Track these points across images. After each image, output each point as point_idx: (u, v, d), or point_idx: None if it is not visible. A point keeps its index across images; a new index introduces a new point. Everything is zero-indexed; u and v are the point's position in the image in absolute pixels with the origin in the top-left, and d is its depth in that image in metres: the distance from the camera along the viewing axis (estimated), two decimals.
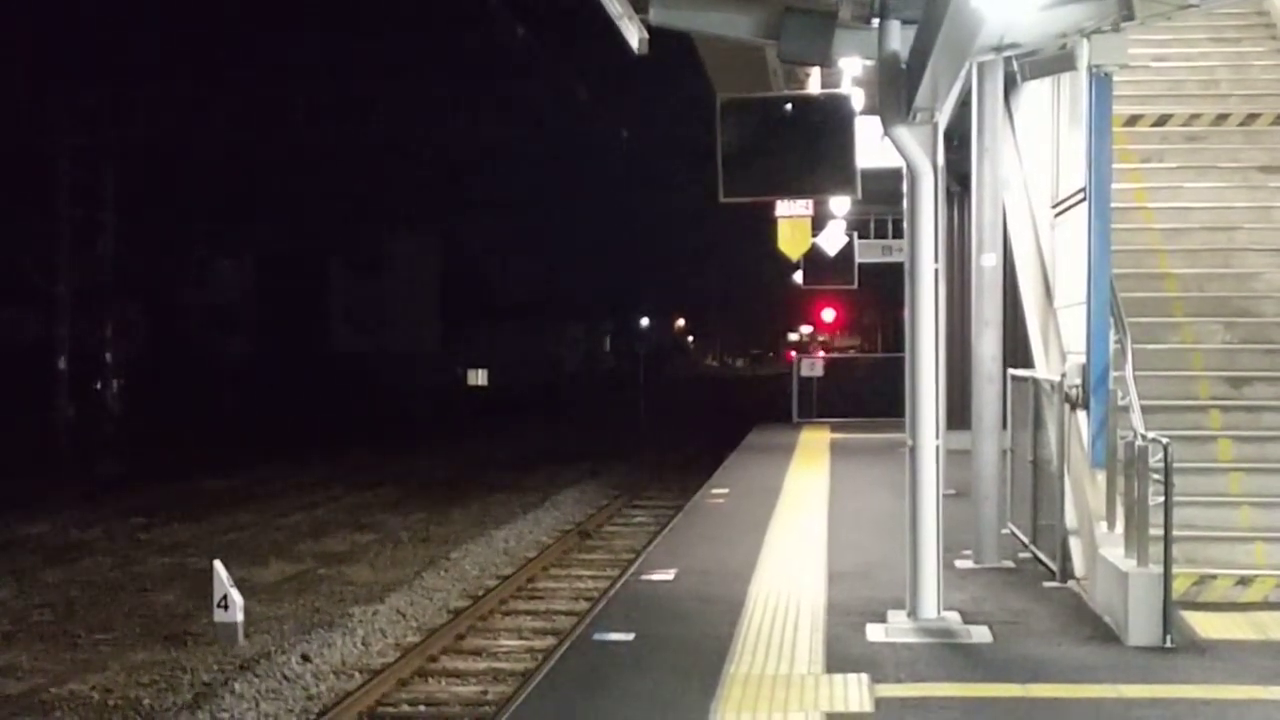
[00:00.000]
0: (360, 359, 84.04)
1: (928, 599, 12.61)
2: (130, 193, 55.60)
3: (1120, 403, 13.27)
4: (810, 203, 28.51)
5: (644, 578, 15.64)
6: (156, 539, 26.02)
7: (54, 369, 50.28)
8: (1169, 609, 11.69)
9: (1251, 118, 18.43)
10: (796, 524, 19.55)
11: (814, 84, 21.91)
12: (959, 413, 17.48)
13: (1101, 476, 13.38)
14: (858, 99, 14.33)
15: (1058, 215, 16.63)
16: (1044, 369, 16.50)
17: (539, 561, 22.64)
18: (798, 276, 38.51)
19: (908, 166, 12.39)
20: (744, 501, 22.28)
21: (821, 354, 56.02)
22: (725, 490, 24.04)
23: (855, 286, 38.05)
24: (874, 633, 12.44)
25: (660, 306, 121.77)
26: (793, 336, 78.11)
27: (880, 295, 66.27)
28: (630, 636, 12.51)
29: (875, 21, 12.41)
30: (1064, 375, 14.51)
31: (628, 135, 66.67)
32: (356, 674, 15.95)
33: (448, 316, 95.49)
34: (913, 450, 12.53)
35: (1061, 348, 15.75)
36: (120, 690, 15.21)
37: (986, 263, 15.67)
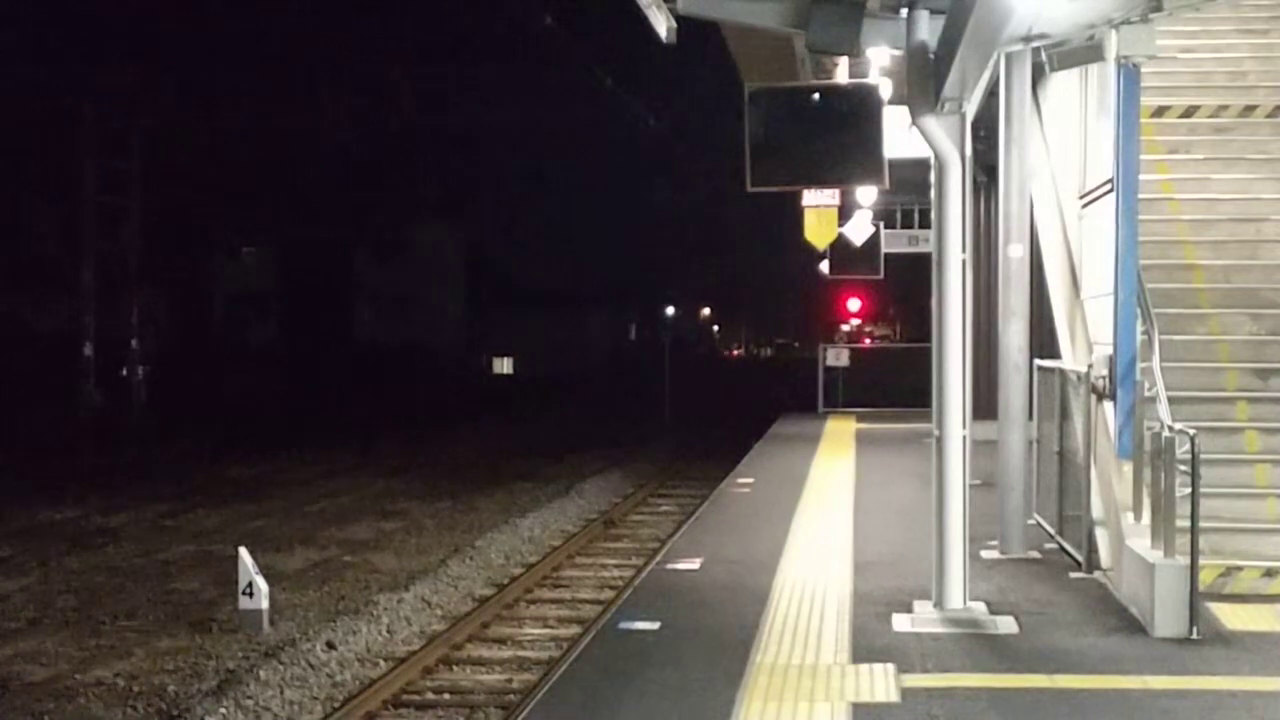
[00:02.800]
0: (385, 346, 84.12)
1: (954, 589, 12.61)
2: (156, 179, 55.70)
3: (1147, 394, 13.24)
4: (837, 192, 28.49)
5: (669, 567, 15.64)
6: (181, 526, 26.09)
7: (80, 356, 50.41)
8: (1195, 600, 11.68)
9: (1279, 110, 18.37)
10: (822, 513, 19.54)
11: (842, 74, 21.83)
12: (985, 403, 17.44)
13: (1128, 467, 13.37)
14: (885, 89, 14.28)
15: (1085, 206, 16.59)
16: (1070, 359, 16.48)
17: (564, 550, 22.66)
18: (824, 266, 38.51)
19: (935, 157, 12.38)
20: (769, 491, 22.27)
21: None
22: (751, 479, 24.03)
23: (881, 277, 38.03)
24: (900, 623, 12.44)
25: (686, 295, 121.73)
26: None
27: (904, 285, 66.28)
28: (656, 625, 12.52)
29: (904, 11, 12.39)
30: (1091, 366, 14.50)
31: (654, 123, 66.58)
32: (381, 662, 15.98)
33: (473, 304, 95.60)
34: (939, 440, 12.53)
35: (1088, 338, 15.71)
36: (145, 677, 15.25)
37: (1013, 253, 15.64)
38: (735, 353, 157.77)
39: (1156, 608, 11.76)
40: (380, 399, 63.31)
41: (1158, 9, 12.43)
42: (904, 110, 12.56)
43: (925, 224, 33.46)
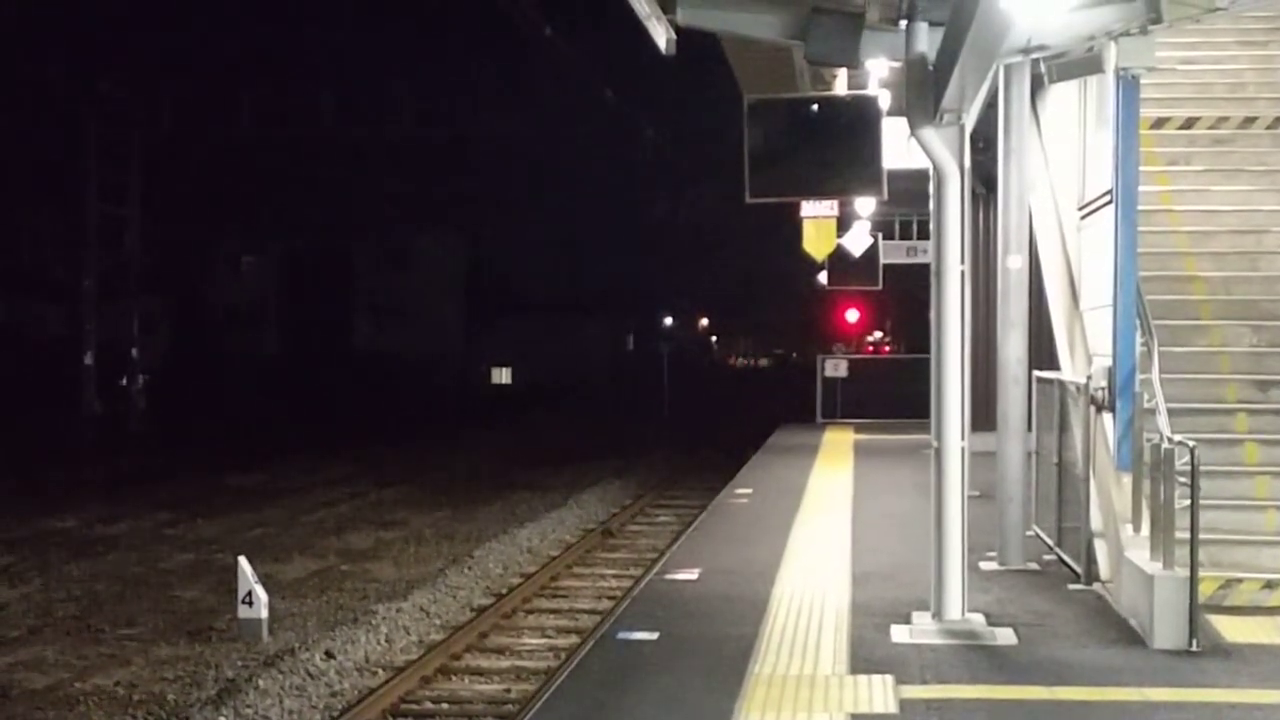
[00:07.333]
0: (384, 356, 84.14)
1: (952, 600, 12.60)
2: (156, 189, 55.78)
3: (1146, 405, 13.25)
4: (835, 203, 28.52)
5: (668, 577, 15.64)
6: (181, 534, 26.09)
7: (80, 364, 50.45)
8: (1194, 612, 11.67)
9: (1279, 121, 18.38)
10: (820, 524, 19.53)
11: (841, 85, 21.88)
12: (983, 414, 17.44)
13: (1127, 479, 13.36)
14: (884, 100, 14.30)
15: (1084, 217, 16.60)
16: (1070, 371, 16.48)
17: (562, 560, 22.66)
18: (822, 277, 38.53)
19: (934, 168, 12.38)
20: (768, 501, 22.26)
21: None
22: (749, 490, 24.02)
23: (879, 287, 38.05)
24: (898, 634, 12.44)
25: (684, 306, 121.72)
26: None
27: (904, 296, 66.38)
28: (654, 636, 12.51)
29: (903, 23, 12.40)
30: (1090, 377, 14.49)
31: (653, 133, 66.72)
32: (380, 671, 15.99)
33: (472, 314, 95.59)
34: (938, 451, 12.53)
35: (1087, 350, 15.71)
36: (144, 685, 15.26)
37: (1012, 264, 15.65)
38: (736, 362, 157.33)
39: (1156, 620, 11.76)
40: (379, 408, 63.32)
41: (1157, 21, 12.45)
42: (903, 122, 12.57)
43: (924, 235, 33.46)
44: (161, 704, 14.56)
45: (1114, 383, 13.69)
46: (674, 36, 14.72)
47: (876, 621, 12.95)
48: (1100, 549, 14.32)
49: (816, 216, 29.56)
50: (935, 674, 11.05)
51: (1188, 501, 11.54)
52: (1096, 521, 14.40)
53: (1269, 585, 13.03)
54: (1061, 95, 17.66)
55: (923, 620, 12.78)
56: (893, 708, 10.14)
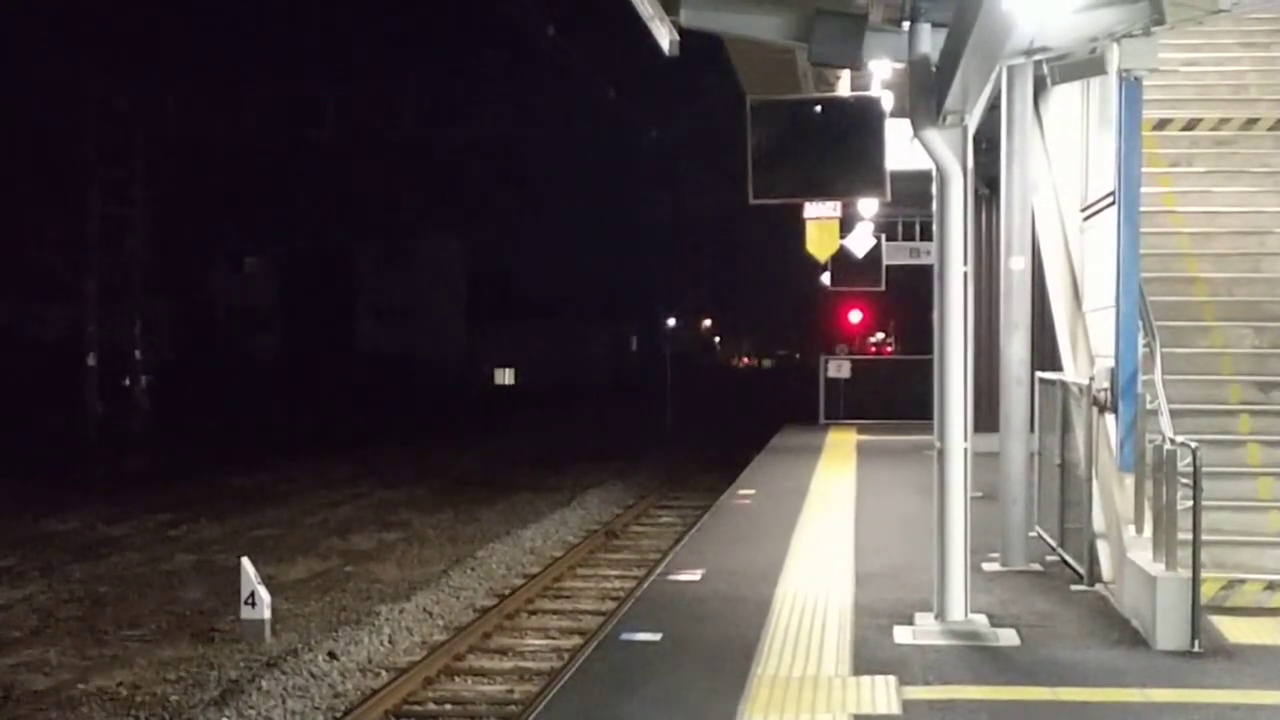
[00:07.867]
0: (386, 357, 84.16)
1: (955, 601, 12.60)
2: (159, 190, 55.73)
3: (1149, 406, 13.24)
4: (838, 205, 28.49)
5: (671, 578, 15.64)
6: (184, 536, 26.11)
7: (83, 366, 50.40)
8: (1197, 613, 11.68)
9: None
10: (823, 525, 19.53)
11: (844, 86, 21.87)
12: (986, 415, 17.45)
13: (1130, 480, 13.35)
14: (887, 101, 14.27)
15: (1086, 218, 16.60)
16: (1072, 372, 16.47)
17: (566, 561, 22.65)
18: (825, 278, 38.52)
19: (937, 169, 12.39)
20: (771, 502, 22.25)
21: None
22: (752, 491, 24.01)
23: (882, 289, 38.07)
24: (901, 635, 12.44)
25: (687, 306, 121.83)
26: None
27: (907, 296, 66.44)
28: (657, 637, 12.52)
29: (906, 25, 12.41)
30: (1092, 378, 14.48)
31: (656, 134, 66.73)
32: (383, 672, 15.99)
33: (474, 315, 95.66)
34: (941, 452, 12.53)
35: (1090, 351, 15.72)
36: (148, 686, 15.28)
37: (1015, 266, 15.65)
38: (739, 363, 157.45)
39: (1158, 621, 11.76)
40: (382, 409, 63.33)
41: (1160, 22, 12.42)
42: (906, 123, 12.57)
43: (927, 236, 33.43)
44: (164, 705, 14.58)
45: (1116, 384, 13.68)
46: (677, 38, 14.72)
47: (879, 622, 12.96)
48: (1103, 550, 14.32)
49: (819, 218, 29.53)
50: (938, 675, 11.05)
51: (1190, 503, 11.53)
52: (1099, 522, 14.40)
53: (1271, 586, 13.04)
54: (1064, 96, 17.66)
55: (926, 621, 12.78)
56: (895, 709, 10.14)
